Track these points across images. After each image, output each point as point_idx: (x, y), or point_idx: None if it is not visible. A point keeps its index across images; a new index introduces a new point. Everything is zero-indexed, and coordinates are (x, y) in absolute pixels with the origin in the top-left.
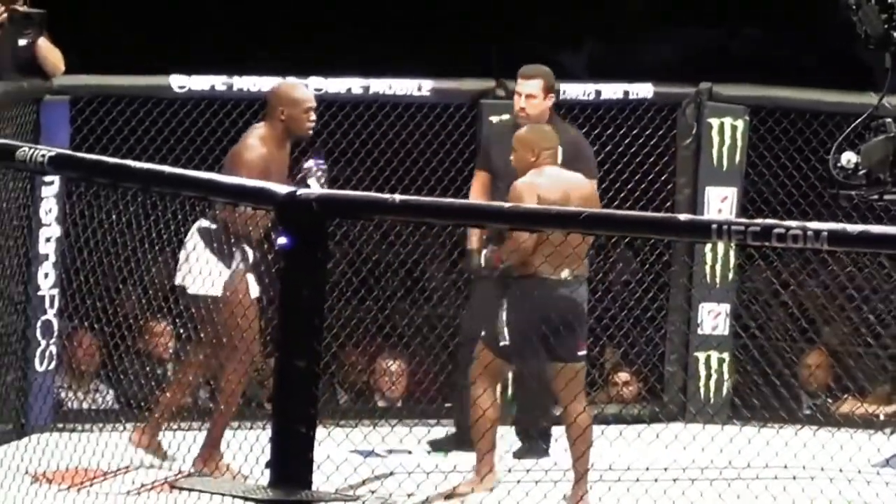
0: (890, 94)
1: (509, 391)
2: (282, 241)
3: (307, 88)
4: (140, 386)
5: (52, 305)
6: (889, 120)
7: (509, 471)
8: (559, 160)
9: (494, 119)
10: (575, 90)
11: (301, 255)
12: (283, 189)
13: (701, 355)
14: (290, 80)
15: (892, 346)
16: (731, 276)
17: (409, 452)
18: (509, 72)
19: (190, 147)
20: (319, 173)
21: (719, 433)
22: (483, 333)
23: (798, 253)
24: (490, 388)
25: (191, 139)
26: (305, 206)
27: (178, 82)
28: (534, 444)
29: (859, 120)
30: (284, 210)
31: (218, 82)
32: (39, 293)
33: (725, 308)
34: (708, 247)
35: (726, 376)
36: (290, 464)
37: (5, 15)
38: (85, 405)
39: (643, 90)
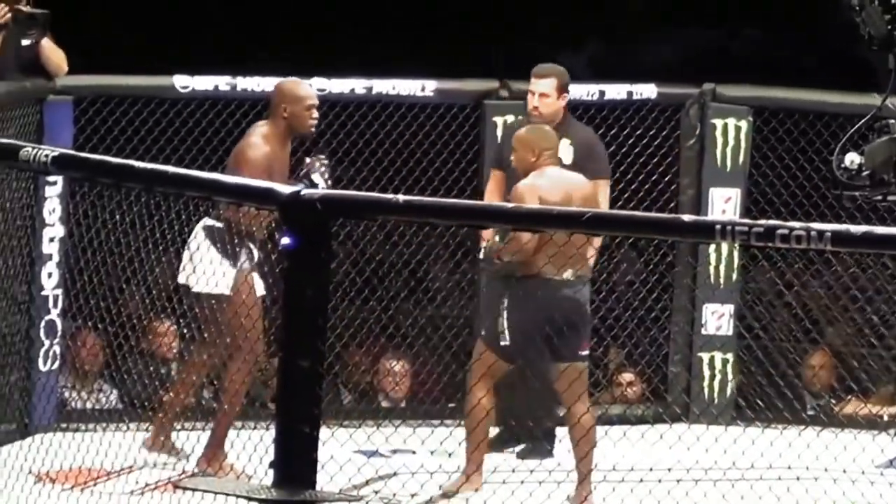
0: (893, 95)
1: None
2: (285, 240)
3: (310, 87)
4: (144, 386)
5: (55, 305)
6: (893, 121)
7: (513, 471)
8: (571, 159)
9: (500, 119)
10: (579, 91)
11: (305, 255)
12: (286, 189)
13: (705, 356)
14: (294, 78)
15: None
16: (734, 276)
17: (413, 453)
18: (510, 72)
19: (193, 147)
20: (323, 169)
21: (723, 434)
22: (483, 333)
23: (801, 254)
24: (489, 389)
25: (194, 139)
26: (309, 206)
27: (182, 82)
28: (538, 444)
29: (863, 121)
30: (288, 210)
31: (221, 82)
32: (43, 293)
33: (729, 309)
34: (712, 247)
35: (730, 377)
36: (294, 464)
37: (9, 15)
38: (88, 405)
39: (647, 91)
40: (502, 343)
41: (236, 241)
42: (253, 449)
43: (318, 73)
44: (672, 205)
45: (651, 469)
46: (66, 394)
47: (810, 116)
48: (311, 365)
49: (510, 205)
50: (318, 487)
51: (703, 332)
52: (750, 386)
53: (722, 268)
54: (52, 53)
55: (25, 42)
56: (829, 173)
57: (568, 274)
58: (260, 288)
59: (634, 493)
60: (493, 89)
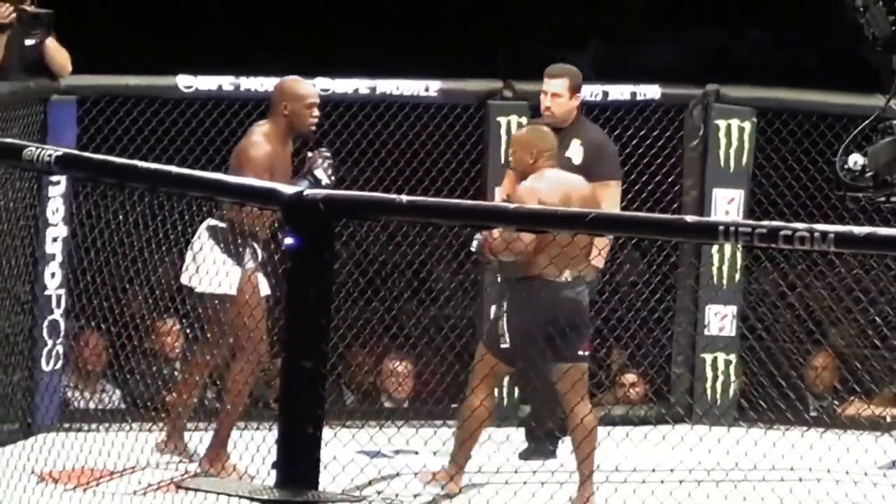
0: None
1: (516, 393)
2: (288, 241)
3: (311, 85)
4: (147, 386)
5: (58, 305)
6: None
7: (515, 472)
8: (580, 160)
9: (503, 120)
10: (582, 91)
11: (308, 255)
12: (289, 189)
13: (708, 357)
14: (294, 76)
15: None
16: (737, 277)
17: (416, 453)
18: (512, 73)
19: (197, 147)
20: (325, 164)
21: (726, 435)
22: (484, 336)
23: (805, 255)
24: (488, 392)
25: (197, 139)
26: (312, 206)
27: (185, 82)
28: (540, 445)
29: (867, 122)
30: (291, 210)
31: (225, 82)
32: (46, 293)
33: (732, 310)
34: (715, 248)
35: (733, 378)
36: (297, 464)
37: (14, 15)
38: (91, 405)
39: (650, 91)
40: (502, 346)
41: (240, 240)
42: (256, 449)
43: (319, 73)
44: (675, 205)
45: (654, 470)
46: (69, 394)
47: (814, 117)
48: (314, 365)
49: (513, 205)
50: (320, 488)
51: (706, 332)
52: (753, 387)
53: (725, 269)
54: (57, 53)
55: (29, 42)
56: (832, 174)
57: (567, 275)
58: (264, 287)
59: (637, 494)
60: (496, 89)
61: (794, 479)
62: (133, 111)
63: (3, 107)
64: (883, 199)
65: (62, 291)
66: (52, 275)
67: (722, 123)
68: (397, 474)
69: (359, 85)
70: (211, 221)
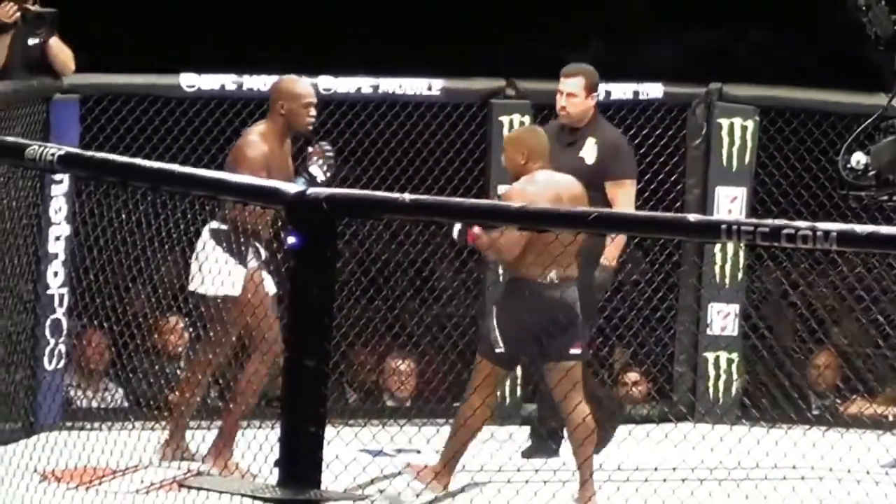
0: None
1: (518, 392)
2: (291, 240)
3: (309, 84)
4: (150, 384)
5: (61, 304)
6: None
7: (518, 470)
8: (594, 159)
9: (506, 119)
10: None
11: (310, 254)
12: (292, 188)
13: (710, 355)
14: (292, 75)
15: None
16: (740, 276)
17: (418, 452)
18: (513, 72)
19: (199, 146)
20: (321, 162)
21: (728, 433)
22: (479, 346)
23: (807, 253)
24: (486, 402)
25: (200, 138)
26: (315, 205)
27: (188, 81)
28: (543, 443)
29: (869, 121)
30: (294, 209)
31: (228, 81)
32: (49, 292)
33: (735, 308)
34: (717, 247)
35: (735, 376)
36: (299, 463)
37: (18, 14)
38: (94, 404)
39: (653, 90)
40: (497, 350)
41: (242, 240)
42: (258, 448)
43: (322, 72)
44: (678, 204)
45: (656, 468)
46: (72, 392)
47: (816, 116)
48: (317, 364)
49: (516, 204)
50: (322, 486)
51: (709, 331)
52: (755, 385)
53: (727, 267)
54: (60, 52)
55: (33, 41)
56: (834, 173)
57: (553, 276)
58: (270, 286)
59: (639, 493)
60: (499, 88)
61: (797, 478)
62: (136, 110)
63: (6, 105)
64: (885, 197)
65: (65, 290)
66: (55, 273)
67: (724, 122)
68: (399, 473)
69: (361, 84)
70: (213, 224)
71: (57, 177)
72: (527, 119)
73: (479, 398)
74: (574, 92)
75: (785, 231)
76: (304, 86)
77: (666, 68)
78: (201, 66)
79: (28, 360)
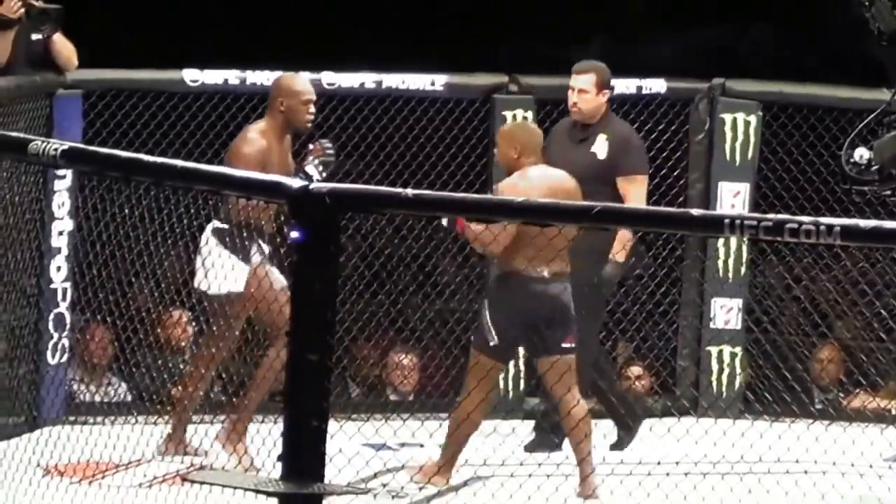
0: None
1: (521, 385)
2: (294, 234)
3: (308, 81)
4: (153, 379)
5: (64, 298)
6: None
7: (521, 464)
8: (605, 154)
9: (509, 114)
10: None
11: (313, 248)
12: (295, 183)
13: (713, 350)
14: (292, 72)
15: None
16: (743, 270)
17: (421, 446)
18: (515, 68)
19: (202, 141)
20: (317, 161)
21: (731, 427)
22: (473, 339)
23: (810, 248)
24: (481, 396)
25: (203, 133)
26: (318, 199)
27: (191, 76)
28: (545, 437)
29: (872, 116)
30: (297, 204)
31: (231, 76)
32: (52, 286)
33: (738, 303)
34: (721, 241)
35: (738, 370)
36: (302, 457)
37: (22, 10)
38: (97, 398)
39: (656, 85)
40: (492, 344)
41: (245, 236)
42: (261, 442)
43: (325, 68)
44: (681, 199)
45: (659, 462)
46: (75, 387)
47: (819, 111)
48: (320, 358)
49: (518, 199)
50: (326, 480)
51: (712, 325)
52: (758, 380)
53: (731, 262)
54: (63, 47)
55: (36, 36)
56: (837, 168)
57: (545, 272)
58: (280, 278)
59: (642, 487)
60: (502, 84)
61: (800, 472)
62: (139, 105)
63: (10, 101)
64: (888, 192)
65: (68, 285)
66: (58, 268)
67: (727, 117)
68: (402, 467)
69: (365, 79)
70: (216, 224)
71: (60, 172)
72: (529, 114)
73: (477, 392)
74: (585, 88)
75: (788, 226)
76: (303, 82)
77: (667, 67)
78: (203, 63)
79: (31, 355)
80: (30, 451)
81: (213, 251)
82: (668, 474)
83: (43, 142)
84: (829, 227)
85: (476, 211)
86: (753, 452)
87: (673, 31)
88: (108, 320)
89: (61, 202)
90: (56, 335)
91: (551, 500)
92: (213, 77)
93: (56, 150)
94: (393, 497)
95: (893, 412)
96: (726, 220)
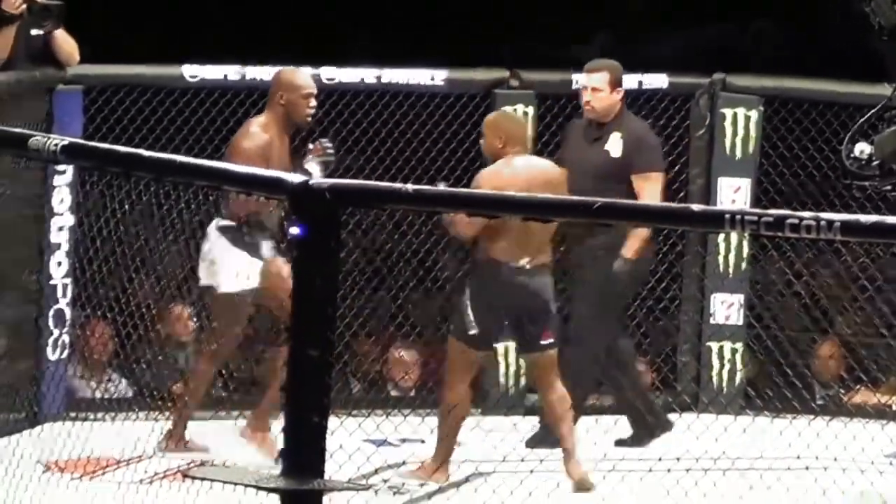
0: None
1: (522, 381)
2: (294, 230)
3: (308, 76)
4: (153, 375)
5: (64, 294)
6: None
7: (522, 460)
8: (620, 152)
9: (510, 109)
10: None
11: (314, 244)
12: (295, 178)
13: (714, 345)
14: (293, 67)
15: None
16: (744, 266)
17: (422, 442)
18: (517, 64)
19: (202, 136)
20: (319, 159)
21: (732, 423)
22: (452, 328)
23: (811, 243)
24: (464, 386)
25: (203, 129)
26: (318, 195)
27: (191, 72)
28: (547, 433)
29: (873, 111)
30: (297, 199)
31: (231, 72)
32: (52, 282)
33: (738, 298)
34: (721, 237)
35: (739, 366)
36: (303, 453)
37: (24, 6)
38: (98, 394)
39: (657, 80)
40: (471, 332)
41: (252, 232)
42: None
43: (326, 62)
44: (682, 194)
45: (660, 458)
46: (76, 383)
47: (820, 106)
48: (321, 354)
49: (520, 194)
50: (326, 476)
51: (713, 321)
52: (759, 375)
53: (731, 257)
54: (64, 43)
55: (37, 32)
56: (838, 163)
57: (525, 262)
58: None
59: (643, 483)
60: (503, 79)
61: (801, 468)
62: (139, 100)
63: (10, 96)
64: (889, 187)
65: (68, 281)
66: (59, 264)
67: (728, 112)
68: (404, 463)
69: (365, 74)
70: (220, 222)
71: (60, 167)
72: (531, 110)
73: (460, 382)
74: (598, 87)
75: (789, 221)
76: (303, 77)
77: (667, 66)
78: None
79: (32, 351)
80: (30, 447)
81: (221, 248)
82: (669, 470)
83: (43, 137)
84: (830, 223)
85: (477, 206)
86: (754, 448)
87: (673, 31)
88: (108, 316)
89: (61, 198)
90: (56, 331)
91: (553, 495)
92: (212, 73)
93: (56, 145)
94: (394, 493)
95: (894, 407)
96: (727, 216)
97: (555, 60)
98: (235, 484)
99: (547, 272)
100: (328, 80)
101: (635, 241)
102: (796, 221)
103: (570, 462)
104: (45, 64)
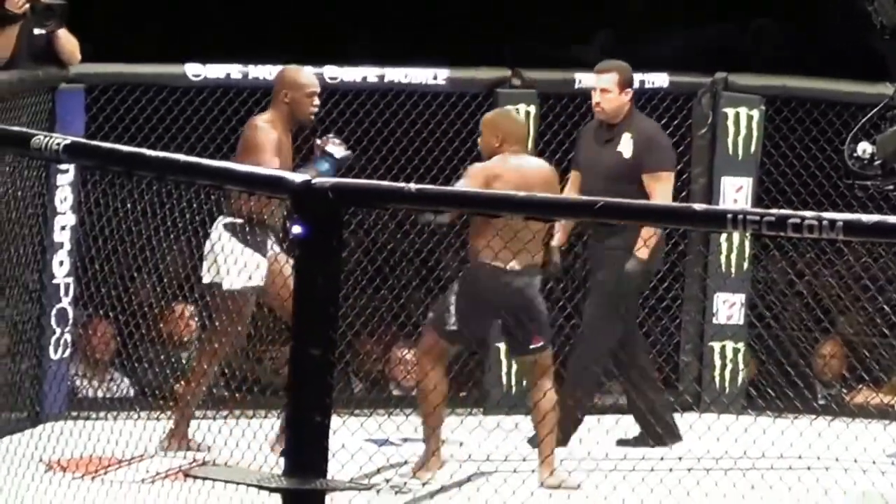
0: None
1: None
2: (296, 229)
3: (312, 74)
4: (155, 374)
5: (66, 293)
6: None
7: (524, 459)
8: (630, 153)
9: (512, 108)
10: (591, 80)
11: (316, 243)
12: (298, 177)
13: (716, 345)
14: (296, 65)
15: None
16: (746, 265)
17: (424, 441)
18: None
19: (205, 135)
20: (336, 140)
21: (734, 423)
22: (431, 316)
23: (813, 243)
24: (439, 371)
25: (206, 127)
26: (320, 194)
27: (194, 70)
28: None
29: (875, 110)
30: (299, 198)
31: (233, 70)
32: (54, 281)
33: (741, 298)
34: (723, 236)
35: (741, 366)
36: (305, 452)
37: (27, 6)
38: (100, 393)
39: (659, 80)
40: (449, 327)
41: (258, 230)
42: (264, 437)
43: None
44: (683, 194)
45: (662, 458)
46: (78, 382)
47: (822, 105)
48: (323, 353)
49: (521, 193)
50: (328, 476)
51: (715, 321)
52: (761, 375)
53: (733, 257)
54: (67, 42)
55: (39, 31)
56: (840, 163)
57: (514, 264)
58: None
59: (646, 482)
60: (505, 78)
61: (803, 468)
62: (141, 99)
63: (12, 95)
64: (891, 186)
65: (70, 280)
66: (61, 263)
67: (730, 111)
68: (405, 462)
69: (367, 73)
70: (225, 220)
71: (62, 166)
72: (532, 109)
73: (432, 371)
74: (607, 88)
75: (791, 220)
76: (307, 75)
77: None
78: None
79: (34, 350)
80: (32, 446)
81: (228, 246)
82: (670, 470)
83: (45, 136)
84: (832, 222)
85: (479, 205)
86: (756, 448)
87: (673, 31)
88: (110, 315)
89: (64, 197)
90: (58, 330)
91: (555, 495)
92: (215, 71)
93: (59, 144)
94: (396, 493)
95: None
96: (729, 215)
97: (555, 60)
98: (237, 483)
99: (537, 274)
100: (331, 79)
101: (644, 240)
102: (798, 221)
103: (543, 466)
104: (48, 63)
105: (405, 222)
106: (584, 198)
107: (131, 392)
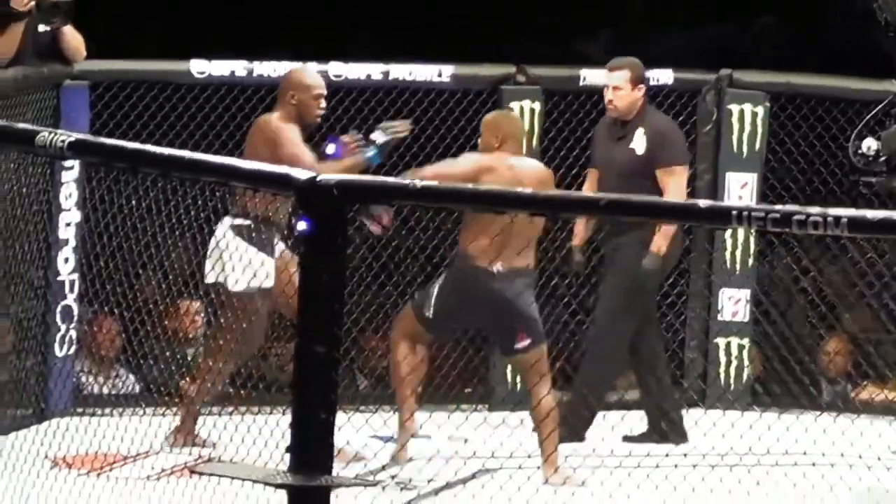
0: None
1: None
2: (302, 226)
3: (318, 75)
4: (161, 370)
5: (72, 290)
6: None
7: (529, 456)
8: (643, 149)
9: (516, 105)
10: (596, 76)
11: (321, 240)
12: (303, 174)
13: (721, 341)
14: (302, 66)
15: None
16: (751, 262)
17: (429, 438)
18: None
19: (210, 132)
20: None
21: (739, 419)
22: (416, 297)
23: (818, 239)
24: (410, 350)
25: (210, 124)
26: (325, 191)
27: (198, 67)
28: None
29: (880, 107)
30: (304, 195)
31: (238, 67)
32: (59, 278)
33: (746, 294)
34: (728, 233)
35: (746, 362)
36: (310, 449)
37: (32, 3)
38: (105, 390)
39: (664, 76)
40: (426, 313)
41: (265, 230)
42: (269, 434)
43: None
44: (688, 190)
45: (667, 454)
46: (83, 379)
47: (827, 102)
48: (328, 350)
49: (527, 190)
50: (334, 472)
51: (720, 317)
52: (766, 371)
53: (738, 253)
54: (72, 38)
55: (44, 28)
56: (845, 159)
57: (499, 266)
58: None
59: (650, 479)
60: (509, 74)
61: (808, 464)
62: (146, 96)
63: (17, 92)
64: None
65: (75, 276)
66: (66, 260)
67: (735, 108)
68: (410, 459)
69: (371, 70)
70: (233, 220)
71: (67, 163)
72: (537, 105)
73: (403, 348)
74: (619, 85)
75: (796, 217)
76: (314, 77)
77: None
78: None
79: (39, 347)
80: (38, 442)
81: (233, 245)
82: (676, 466)
83: (50, 133)
84: (837, 219)
85: (482, 202)
86: (761, 444)
87: (673, 31)
88: (115, 312)
89: (68, 193)
90: (64, 327)
91: (559, 491)
92: (220, 68)
93: (63, 141)
94: (401, 489)
95: None
96: (734, 212)
97: (556, 59)
98: (243, 479)
99: (524, 276)
100: (335, 76)
101: (662, 237)
102: (803, 217)
103: (547, 465)
104: (53, 60)
105: (410, 218)
106: (589, 194)
107: (137, 388)
